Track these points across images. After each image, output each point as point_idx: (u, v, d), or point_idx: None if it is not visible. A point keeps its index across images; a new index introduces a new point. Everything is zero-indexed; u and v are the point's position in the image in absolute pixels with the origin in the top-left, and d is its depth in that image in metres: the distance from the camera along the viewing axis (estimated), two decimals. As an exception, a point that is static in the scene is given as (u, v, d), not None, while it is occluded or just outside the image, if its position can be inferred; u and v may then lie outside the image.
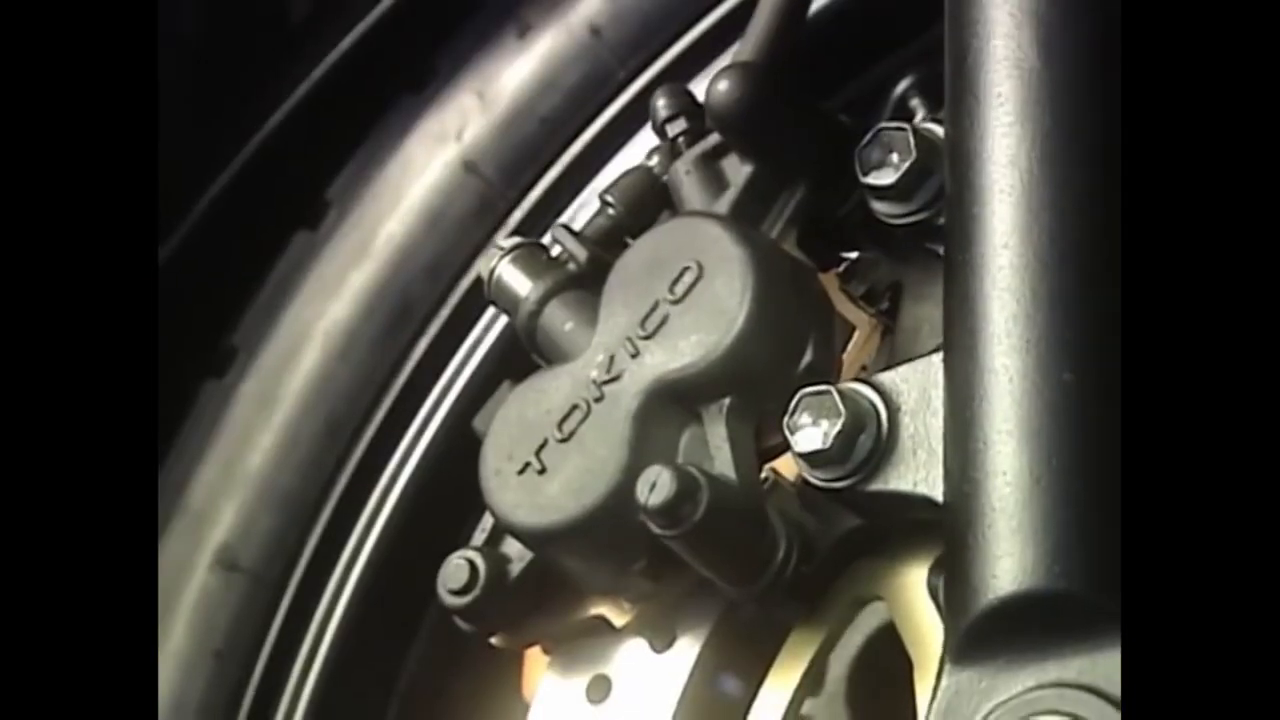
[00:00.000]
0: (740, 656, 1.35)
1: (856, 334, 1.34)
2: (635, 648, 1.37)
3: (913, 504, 1.22)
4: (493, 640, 1.39)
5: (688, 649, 1.35)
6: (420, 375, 1.59)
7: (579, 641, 1.39)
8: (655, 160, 1.38)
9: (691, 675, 1.35)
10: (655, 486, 1.24)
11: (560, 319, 1.35)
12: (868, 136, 1.29)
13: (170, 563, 1.62)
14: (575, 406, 1.30)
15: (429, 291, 1.56)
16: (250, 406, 1.63)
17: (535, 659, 1.43)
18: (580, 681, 1.38)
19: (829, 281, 1.35)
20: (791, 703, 1.34)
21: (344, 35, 1.62)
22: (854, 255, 1.37)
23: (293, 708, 1.58)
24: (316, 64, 1.63)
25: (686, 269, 1.29)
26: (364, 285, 1.62)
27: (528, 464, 1.31)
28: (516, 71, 1.60)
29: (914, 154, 1.28)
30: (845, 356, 1.33)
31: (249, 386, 1.64)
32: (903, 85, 1.49)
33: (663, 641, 1.36)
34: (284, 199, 1.65)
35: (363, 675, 1.59)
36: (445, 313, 1.57)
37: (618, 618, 1.36)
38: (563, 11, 1.59)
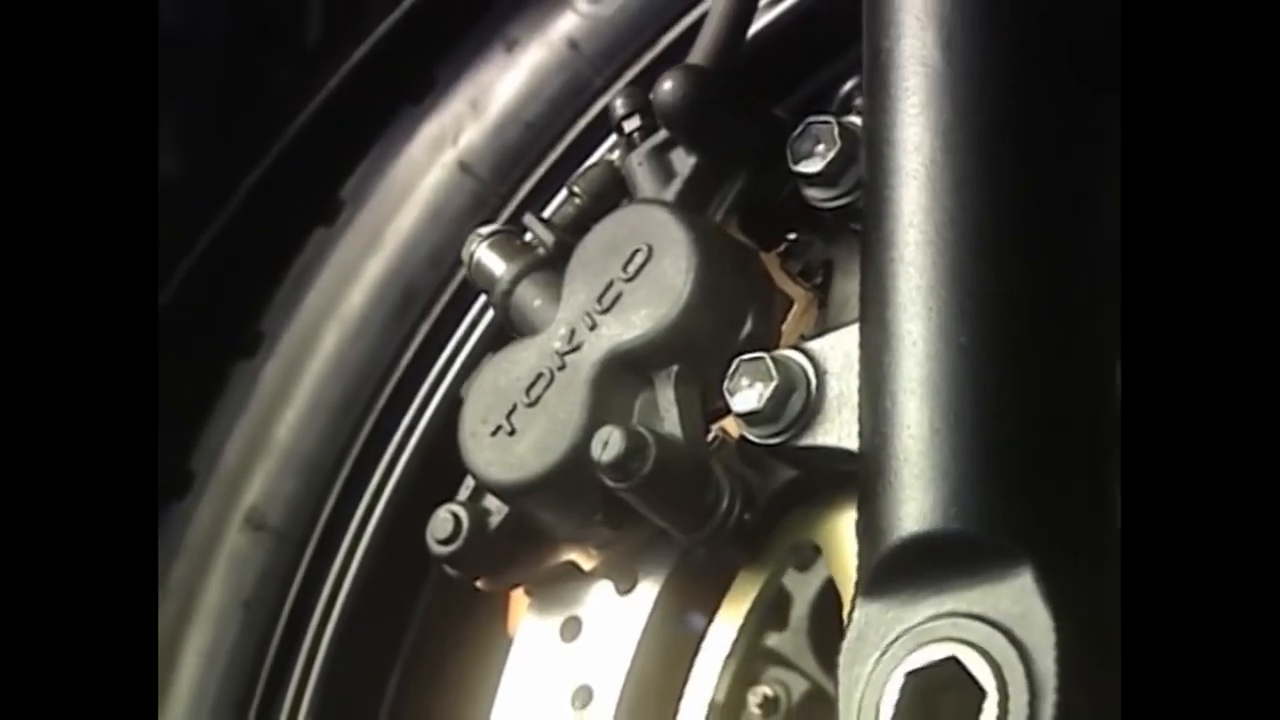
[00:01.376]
0: (694, 596, 1.36)
1: (795, 307, 1.33)
2: (602, 590, 1.37)
3: (837, 457, 1.23)
4: (478, 584, 1.39)
5: (648, 591, 1.36)
6: (423, 353, 1.59)
7: (554, 585, 1.39)
8: (616, 154, 1.38)
9: (652, 614, 1.35)
10: (607, 444, 1.25)
11: (530, 296, 1.35)
12: (798, 129, 1.29)
13: (205, 523, 1.63)
14: (540, 375, 1.31)
15: (430, 279, 1.57)
16: (276, 383, 1.64)
17: (519, 601, 1.43)
18: (555, 622, 1.38)
19: (770, 260, 1.35)
20: (742, 634, 1.34)
21: (352, 53, 1.63)
22: (792, 237, 1.36)
23: (314, 650, 1.58)
24: (329, 79, 1.63)
25: (638, 250, 1.30)
26: (374, 274, 1.63)
27: (499, 426, 1.32)
28: (505, 82, 1.61)
29: (838, 144, 1.27)
30: (785, 327, 1.33)
31: (274, 366, 1.65)
32: (849, 85, 1.49)
33: (626, 584, 1.36)
34: (303, 199, 1.65)
35: (375, 621, 1.60)
36: (445, 298, 1.58)
37: (586, 562, 1.37)
38: (545, 29, 1.59)
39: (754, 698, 1.36)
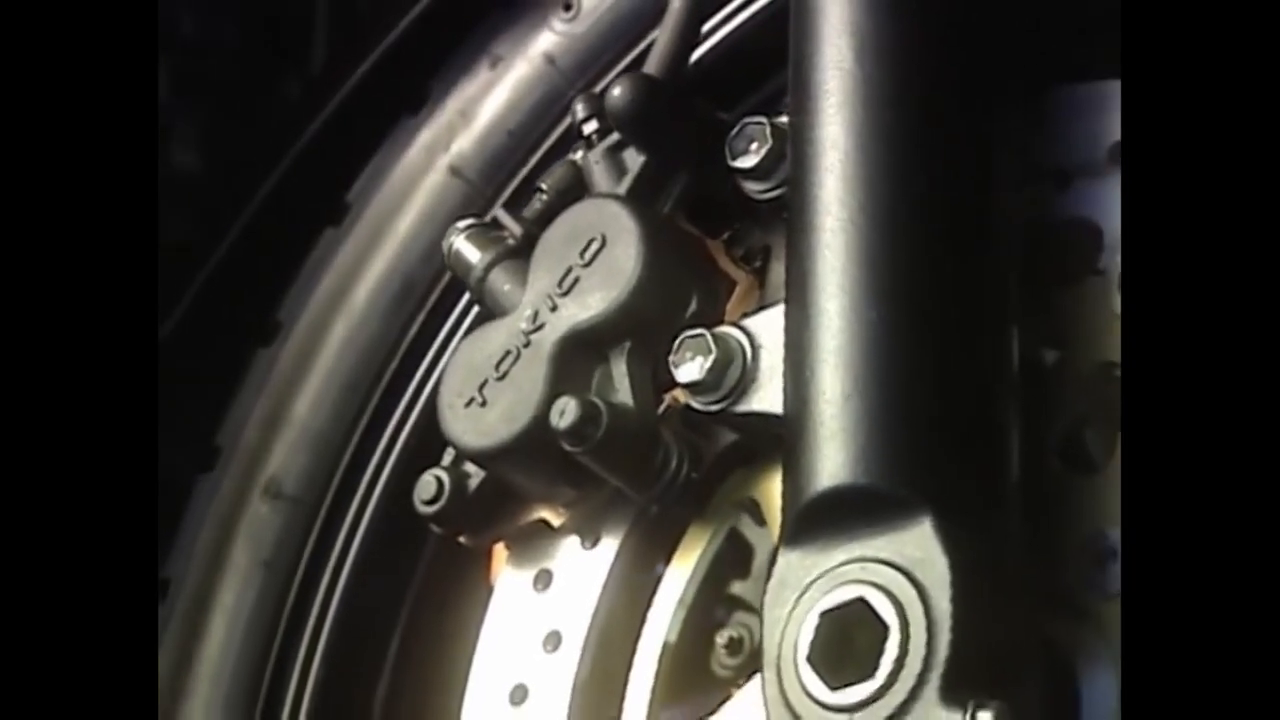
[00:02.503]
0: (651, 548, 1.38)
1: (738, 288, 1.35)
2: (570, 545, 1.39)
3: (770, 421, 1.24)
4: (461, 540, 1.41)
5: (610, 545, 1.38)
6: (420, 339, 1.59)
7: (528, 540, 1.41)
8: (579, 154, 1.39)
9: (613, 565, 1.38)
10: (564, 413, 1.27)
11: (500, 282, 1.37)
12: (735, 129, 1.30)
13: (229, 493, 1.63)
14: (508, 352, 1.33)
15: (426, 272, 1.57)
16: (291, 367, 1.64)
17: (500, 555, 1.45)
18: (529, 574, 1.40)
19: (715, 247, 1.36)
20: (694, 581, 1.35)
21: (355, 70, 1.63)
22: (735, 226, 1.37)
23: (326, 603, 1.58)
24: (335, 91, 1.64)
25: (593, 240, 1.32)
26: (376, 270, 1.63)
27: (472, 399, 1.34)
28: (490, 95, 1.60)
29: (770, 141, 1.29)
30: (730, 306, 1.34)
31: (290, 351, 1.65)
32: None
33: (591, 539, 1.38)
34: (314, 202, 1.66)
35: (381, 576, 1.59)
36: (438, 290, 1.58)
37: (555, 520, 1.38)
38: (525, 46, 1.59)
39: (720, 639, 1.37)
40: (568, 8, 1.57)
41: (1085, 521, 1.19)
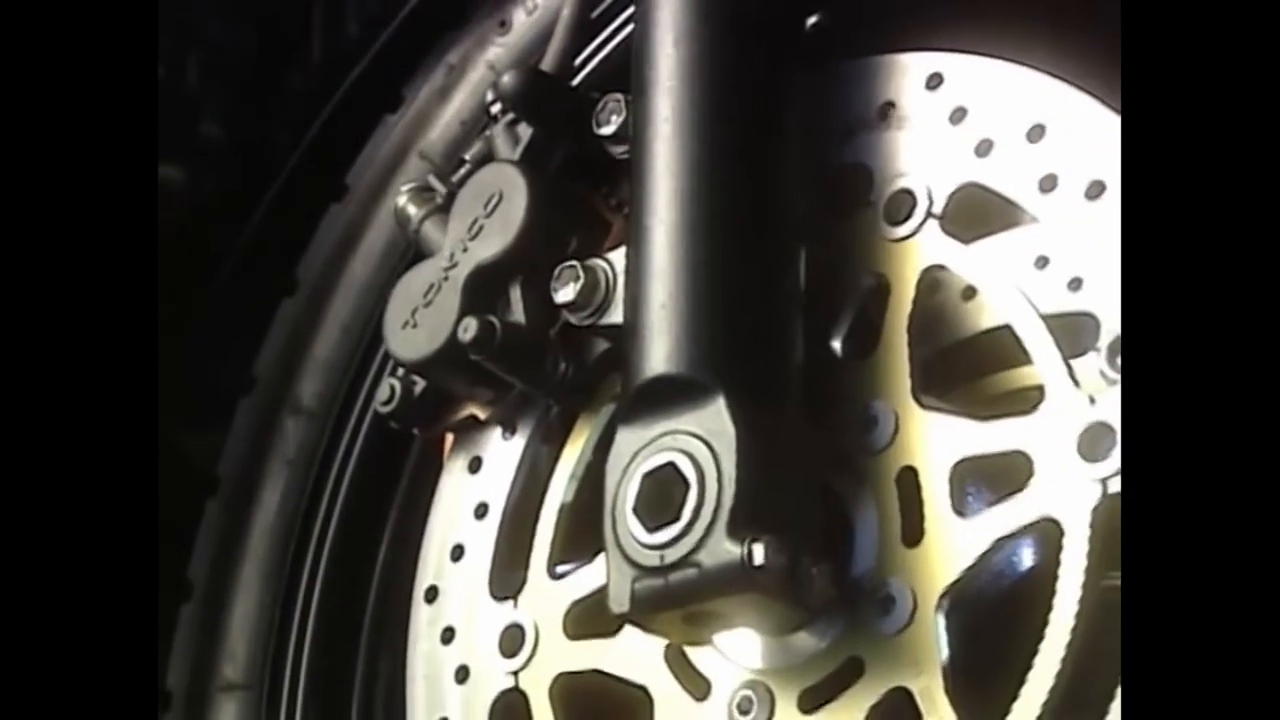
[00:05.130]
0: (552, 435, 1.39)
1: (614, 229, 1.34)
2: (494, 436, 1.41)
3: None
4: (415, 432, 1.43)
5: (524, 434, 1.39)
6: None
7: (464, 435, 1.42)
8: (488, 129, 1.40)
9: (525, 450, 1.39)
10: (467, 329, 1.29)
11: (430, 231, 1.40)
12: (600, 104, 1.32)
13: (263, 411, 1.65)
14: (432, 285, 1.35)
15: (403, 236, 1.57)
16: (308, 313, 1.66)
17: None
18: (464, 460, 1.42)
19: (596, 197, 1.36)
20: (583, 456, 1.36)
21: (346, 78, 1.65)
22: (611, 180, 1.37)
23: (335, 494, 1.60)
24: (331, 96, 1.66)
25: (493, 195, 1.34)
26: (369, 236, 1.65)
27: (407, 321, 1.36)
28: (449, 96, 1.62)
29: (625, 113, 1.30)
30: (610, 243, 1.34)
31: (307, 301, 1.67)
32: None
33: (509, 431, 1.40)
34: (321, 184, 1.67)
35: (377, 469, 1.60)
36: (414, 251, 1.58)
37: (482, 415, 1.40)
38: (473, 56, 1.61)
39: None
40: (503, 24, 1.59)
41: (859, 395, 1.19)
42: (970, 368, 1.26)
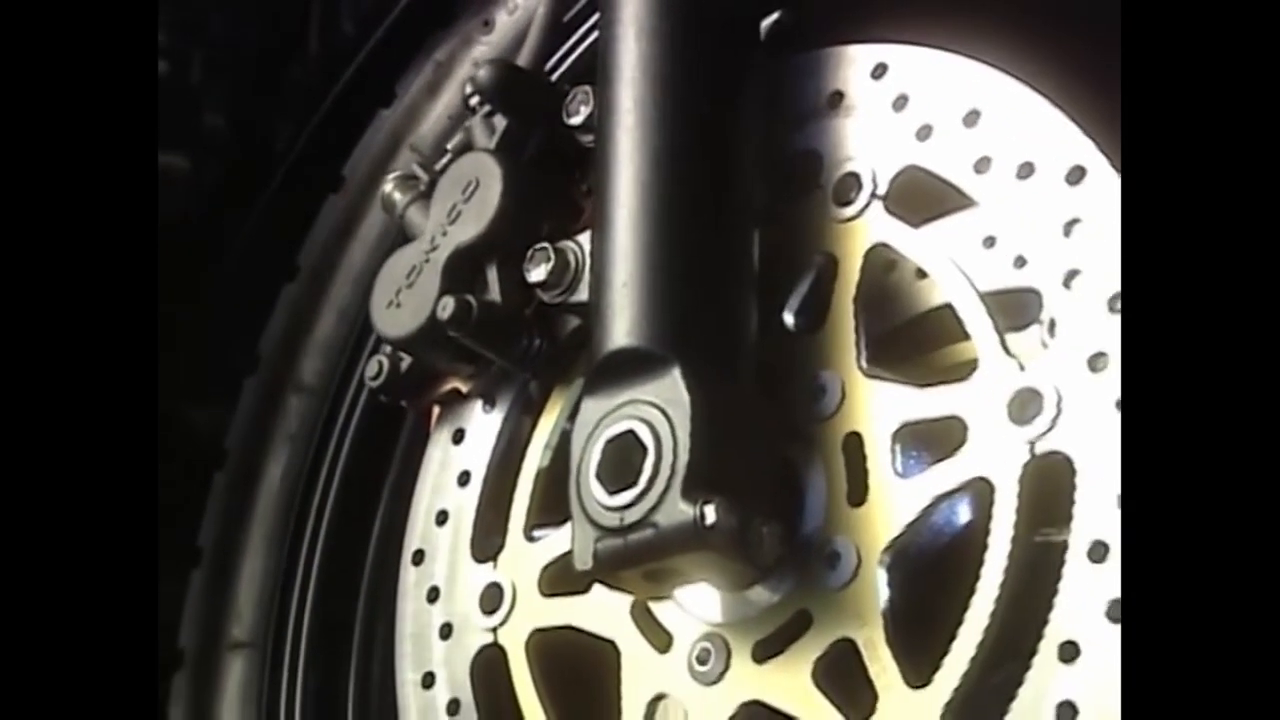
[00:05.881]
0: (529, 408, 1.39)
1: (584, 213, 1.34)
2: (476, 409, 1.41)
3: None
4: (403, 405, 1.43)
5: (503, 405, 1.39)
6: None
7: (449, 408, 1.42)
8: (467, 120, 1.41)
9: (505, 420, 1.39)
10: (444, 308, 1.30)
11: (413, 216, 1.40)
12: (570, 96, 1.32)
13: (266, 388, 1.66)
14: (414, 266, 1.35)
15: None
16: (308, 297, 1.67)
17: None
18: (449, 431, 1.43)
19: (570, 183, 1.35)
20: (555, 428, 1.36)
21: (342, 73, 1.66)
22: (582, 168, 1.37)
23: (333, 466, 1.61)
24: (331, 89, 1.66)
25: (470, 182, 1.34)
26: (364, 224, 1.65)
27: (391, 301, 1.36)
28: (437, 92, 1.63)
29: (592, 104, 1.30)
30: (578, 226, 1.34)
31: (308, 287, 1.67)
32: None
33: (490, 404, 1.40)
34: (319, 175, 1.68)
35: (373, 443, 1.61)
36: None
37: (464, 388, 1.40)
38: (459, 54, 1.61)
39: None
40: (486, 24, 1.59)
41: (808, 366, 1.19)
42: (919, 343, 1.26)
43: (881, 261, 1.22)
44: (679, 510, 1.09)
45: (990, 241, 1.14)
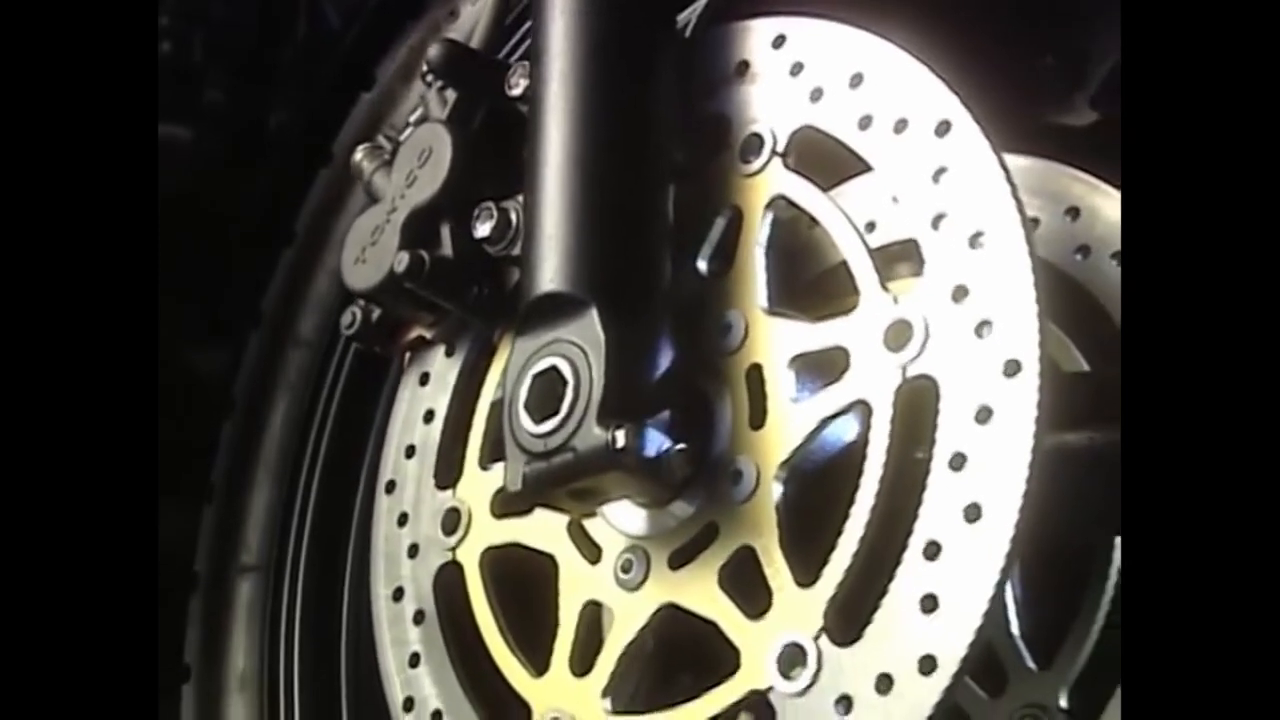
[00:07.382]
0: (484, 352, 1.37)
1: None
2: (439, 354, 1.39)
3: (528, 260, 1.24)
4: (377, 350, 1.42)
5: (461, 350, 1.38)
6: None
7: (417, 354, 1.41)
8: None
9: (463, 364, 1.38)
10: (400, 262, 1.29)
11: (378, 182, 1.38)
12: (511, 70, 1.31)
13: (268, 343, 1.67)
14: (378, 226, 1.34)
15: None
16: (303, 260, 1.67)
17: (406, 366, 1.46)
18: (416, 374, 1.41)
19: (509, 149, 1.31)
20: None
21: (329, 59, 1.66)
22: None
23: (326, 410, 1.63)
24: (320, 74, 1.67)
25: (425, 150, 1.32)
26: (351, 193, 1.66)
27: (358, 258, 1.34)
28: (412, 76, 1.63)
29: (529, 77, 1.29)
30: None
31: (304, 251, 1.68)
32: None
33: (450, 349, 1.39)
34: (313, 151, 1.68)
35: (361, 391, 1.63)
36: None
37: (428, 334, 1.39)
38: (430, 39, 1.60)
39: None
40: (453, 14, 1.59)
41: (717, 307, 1.19)
42: (827, 291, 1.25)
43: (787, 217, 1.20)
44: (594, 435, 1.09)
45: (873, 189, 1.13)
